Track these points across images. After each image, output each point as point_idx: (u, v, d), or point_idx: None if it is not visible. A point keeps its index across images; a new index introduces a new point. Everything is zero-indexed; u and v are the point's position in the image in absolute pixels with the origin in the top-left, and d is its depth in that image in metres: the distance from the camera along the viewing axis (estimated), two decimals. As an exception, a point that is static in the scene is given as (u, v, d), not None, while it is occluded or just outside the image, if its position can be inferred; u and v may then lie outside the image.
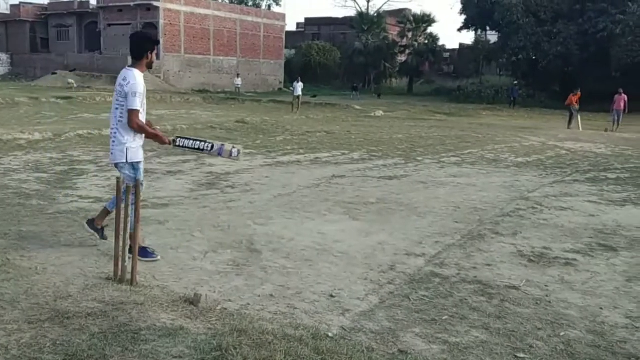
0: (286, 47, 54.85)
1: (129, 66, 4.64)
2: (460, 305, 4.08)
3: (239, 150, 4.73)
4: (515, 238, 6.00)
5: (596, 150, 14.99)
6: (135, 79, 4.48)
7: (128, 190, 4.02)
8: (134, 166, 4.65)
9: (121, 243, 4.07)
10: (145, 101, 4.62)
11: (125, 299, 3.75)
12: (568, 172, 10.95)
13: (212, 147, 4.77)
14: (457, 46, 62.84)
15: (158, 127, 4.90)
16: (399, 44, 53.47)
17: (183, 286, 4.18)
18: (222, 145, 4.78)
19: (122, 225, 4.05)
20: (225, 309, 3.78)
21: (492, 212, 7.24)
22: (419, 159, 12.07)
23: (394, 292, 4.31)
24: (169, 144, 4.77)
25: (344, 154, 12.39)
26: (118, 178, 4.25)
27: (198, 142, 4.82)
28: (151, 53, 4.63)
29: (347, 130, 17.86)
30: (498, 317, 3.90)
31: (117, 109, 4.57)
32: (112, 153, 4.65)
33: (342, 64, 55.84)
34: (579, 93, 23.64)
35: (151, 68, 4.82)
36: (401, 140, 15.44)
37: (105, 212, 4.92)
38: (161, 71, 41.88)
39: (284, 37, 53.65)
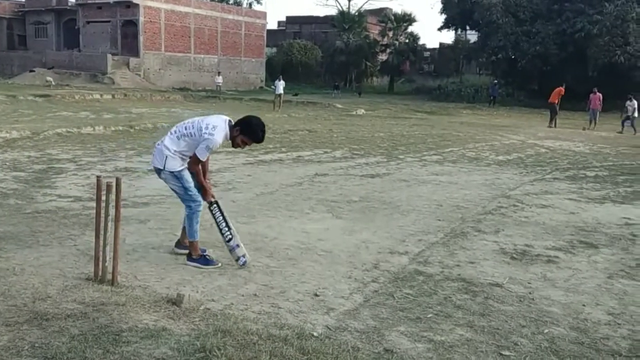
0: (267, 46, 54.63)
1: (229, 120, 4.66)
2: (444, 303, 4.08)
3: (245, 261, 4.70)
4: (498, 236, 6.02)
5: (575, 149, 15.15)
6: (220, 134, 4.49)
7: (108, 189, 3.94)
8: (176, 175, 4.62)
9: (101, 242, 4.00)
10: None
11: (105, 299, 3.68)
12: (548, 170, 11.05)
13: (230, 239, 4.74)
14: (437, 45, 63.16)
15: (210, 181, 4.84)
16: (380, 42, 53.55)
17: (165, 286, 4.13)
18: (238, 245, 4.72)
19: (102, 225, 3.98)
20: (209, 309, 3.74)
21: (474, 210, 7.26)
22: (401, 157, 12.09)
23: (378, 290, 4.29)
24: (208, 202, 4.76)
25: (326, 152, 12.37)
26: (98, 177, 4.18)
27: (224, 224, 4.77)
28: (242, 142, 4.63)
29: (329, 128, 17.84)
30: (482, 314, 3.90)
31: (178, 138, 4.60)
32: (153, 156, 4.72)
33: (323, 63, 55.77)
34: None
35: (234, 147, 4.79)
36: (383, 139, 15.46)
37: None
38: (141, 69, 41.47)
39: (265, 35, 53.38)
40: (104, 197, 3.96)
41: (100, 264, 4.05)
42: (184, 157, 4.63)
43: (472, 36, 49.48)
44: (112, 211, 3.96)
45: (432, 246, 5.55)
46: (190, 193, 4.68)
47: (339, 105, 29.49)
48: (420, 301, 4.09)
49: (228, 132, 4.59)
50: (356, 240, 5.64)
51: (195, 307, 3.69)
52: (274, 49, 56.86)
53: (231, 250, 4.74)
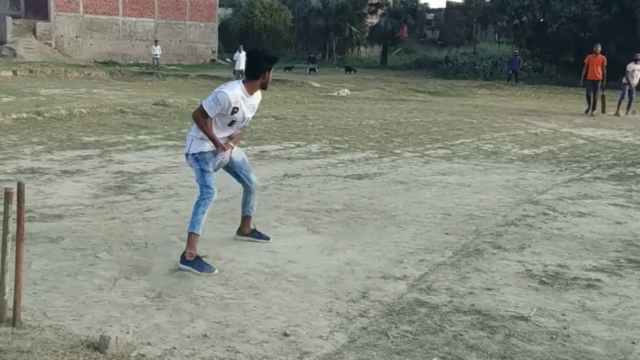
0: (220, 5, 54.46)
1: (243, 81, 5.62)
2: (453, 342, 4.11)
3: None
4: (523, 253, 6.08)
5: (622, 139, 15.39)
6: (231, 90, 5.42)
7: (7, 198, 3.90)
8: (197, 157, 5.51)
9: (-2, 269, 3.96)
10: (243, 121, 5.61)
11: (4, 345, 3.64)
12: (587, 167, 11.20)
13: None
14: (444, 5, 63.66)
15: (234, 148, 5.79)
16: (369, 1, 53.86)
17: (85, 326, 4.09)
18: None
19: (-1, 245, 3.94)
20: (143, 355, 3.72)
21: (492, 220, 7.33)
22: (397, 151, 12.15)
23: (368, 327, 4.30)
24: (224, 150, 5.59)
25: (298, 145, 12.38)
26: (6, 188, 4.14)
27: None
28: (268, 72, 5.57)
29: (303, 114, 17.86)
30: (503, 357, 3.93)
31: None
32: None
33: (294, 28, 55.85)
34: (600, 55, 20.73)
35: (265, 89, 5.77)
36: (373, 128, 15.53)
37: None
38: (52, 37, 41.06)
39: (217, -9, 53.32)
40: (0, 209, 3.91)
41: (-3, 297, 4.00)
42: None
43: (489, -7, 49.95)
44: (12, 227, 3.91)
45: (438, 268, 5.58)
46: (206, 178, 5.51)
47: (316, 84, 29.53)
48: (422, 341, 4.12)
49: (242, 85, 5.51)
50: (338, 262, 5.65)
51: (125, 353, 3.67)
52: (229, 10, 56.73)
53: None
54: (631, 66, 21.21)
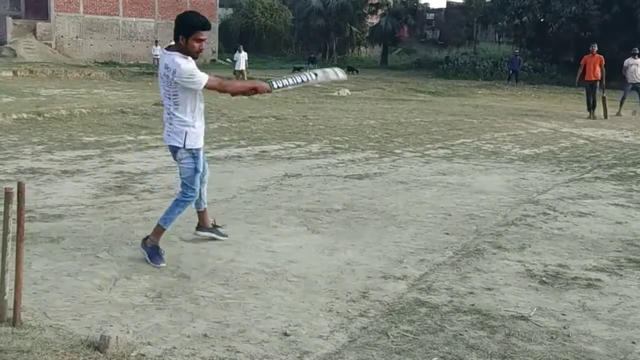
0: (221, 6, 54.46)
1: (167, 48, 5.26)
2: (454, 342, 4.11)
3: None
4: (523, 253, 6.09)
5: (622, 139, 15.39)
6: (179, 64, 5.02)
7: (7, 198, 3.90)
8: (194, 154, 5.31)
9: (-1, 269, 3.96)
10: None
11: (5, 345, 3.64)
12: (588, 167, 11.20)
13: (316, 75, 5.55)
14: (444, 5, 63.68)
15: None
16: (370, 1, 53.85)
17: (85, 325, 4.09)
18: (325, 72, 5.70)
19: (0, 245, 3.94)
20: (143, 355, 3.72)
21: (493, 220, 7.33)
22: (397, 151, 12.15)
23: (368, 327, 4.31)
24: (268, 90, 5.42)
25: (299, 146, 12.38)
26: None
27: (298, 78, 5.56)
28: (186, 40, 5.10)
29: (303, 114, 17.87)
30: (503, 357, 3.94)
31: (168, 98, 5.27)
32: (168, 135, 5.37)
33: (295, 28, 55.86)
34: (597, 54, 19.73)
35: (195, 58, 5.23)
36: (374, 128, 15.54)
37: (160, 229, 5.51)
38: (52, 37, 41.06)
39: (217, -9, 53.33)
40: (1, 209, 3.92)
41: (-2, 297, 4.00)
42: (196, 119, 5.33)
43: (490, -7, 49.96)
44: (12, 227, 3.91)
45: (438, 268, 5.59)
46: (195, 178, 5.38)
47: (316, 84, 29.50)
48: (422, 340, 4.12)
49: (177, 54, 5.09)
50: (338, 262, 5.65)
51: (125, 352, 3.67)
52: (230, 10, 56.74)
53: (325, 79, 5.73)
54: (629, 61, 20.79)
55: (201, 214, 5.95)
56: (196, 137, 5.33)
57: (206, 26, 5.22)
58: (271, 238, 6.28)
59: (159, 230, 5.44)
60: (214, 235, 5.98)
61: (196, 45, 5.13)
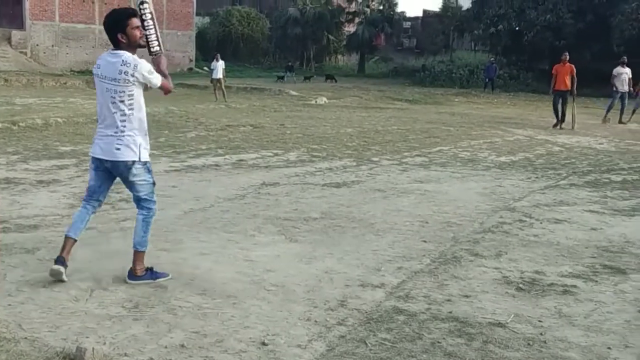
0: (198, 14, 54.32)
1: (113, 50, 4.96)
2: (432, 350, 4.12)
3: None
4: (500, 260, 6.12)
5: (597, 146, 15.56)
6: (138, 59, 4.87)
7: None
8: (148, 167, 5.12)
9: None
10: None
11: (-21, 358, 3.60)
12: (563, 174, 11.31)
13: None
14: (420, 13, 64.08)
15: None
16: (346, 10, 54.04)
17: (61, 337, 4.05)
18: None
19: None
20: (120, 366, 3.69)
21: (470, 227, 7.37)
22: (375, 159, 12.19)
23: (346, 335, 4.30)
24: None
25: (276, 154, 12.38)
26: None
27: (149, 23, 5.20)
28: (125, 34, 4.88)
29: (281, 123, 17.88)
30: (480, 364, 3.95)
31: (121, 102, 4.91)
32: (117, 149, 4.95)
33: (272, 37, 55.86)
34: (568, 64, 19.38)
35: (139, 47, 5.05)
36: (351, 136, 15.57)
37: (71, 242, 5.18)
38: (28, 46, 40.74)
39: (194, 0, 53.19)
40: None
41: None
42: (144, 129, 5.10)
43: (466, 1, 50.38)
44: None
45: (416, 276, 5.60)
46: (154, 191, 5.19)
47: (294, 92, 29.58)
48: (400, 348, 4.13)
49: (127, 52, 4.90)
50: (316, 270, 5.65)
51: (101, 364, 3.64)
52: (207, 19, 56.60)
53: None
54: (618, 70, 21.01)
55: (68, 243, 5.16)
56: (147, 148, 5.10)
57: (136, 13, 5.04)
58: (249, 247, 6.27)
59: (140, 256, 5.18)
60: (61, 272, 5.00)
61: (137, 33, 4.94)
